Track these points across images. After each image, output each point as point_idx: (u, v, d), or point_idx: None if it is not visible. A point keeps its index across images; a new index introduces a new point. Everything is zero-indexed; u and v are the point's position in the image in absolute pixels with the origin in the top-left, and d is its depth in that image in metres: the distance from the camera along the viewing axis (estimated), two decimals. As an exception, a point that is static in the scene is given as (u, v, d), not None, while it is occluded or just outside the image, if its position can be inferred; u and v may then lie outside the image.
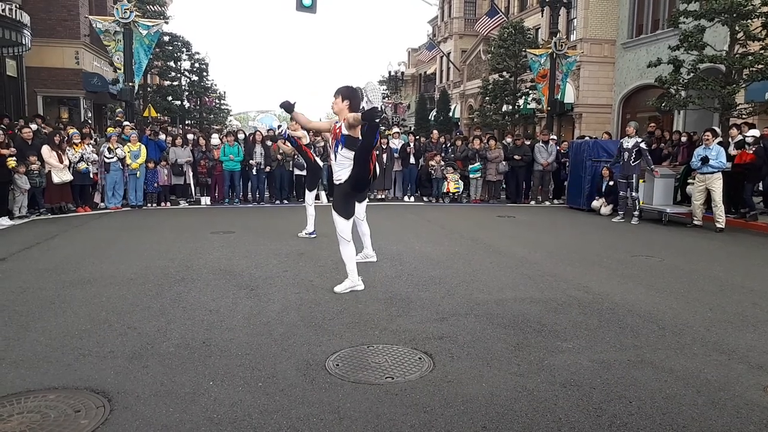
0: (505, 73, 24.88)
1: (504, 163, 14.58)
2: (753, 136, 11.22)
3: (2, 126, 11.83)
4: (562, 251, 8.22)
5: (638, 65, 21.33)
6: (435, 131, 17.06)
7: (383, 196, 15.06)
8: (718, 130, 11.70)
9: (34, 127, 12.38)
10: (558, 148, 15.01)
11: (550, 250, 8.33)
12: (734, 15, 12.34)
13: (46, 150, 11.08)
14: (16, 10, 16.33)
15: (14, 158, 10.13)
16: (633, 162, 11.24)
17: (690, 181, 12.12)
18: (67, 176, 11.49)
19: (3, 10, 15.42)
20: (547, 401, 3.34)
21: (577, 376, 3.69)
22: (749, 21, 12.30)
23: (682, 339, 4.41)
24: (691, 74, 13.19)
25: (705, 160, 10.32)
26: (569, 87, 22.19)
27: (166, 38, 28.63)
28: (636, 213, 11.31)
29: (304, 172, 14.28)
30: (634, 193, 11.33)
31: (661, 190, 11.87)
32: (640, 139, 11.33)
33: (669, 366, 3.86)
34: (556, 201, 15.14)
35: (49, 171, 11.19)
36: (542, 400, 3.35)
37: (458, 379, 3.62)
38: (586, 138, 16.09)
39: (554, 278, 6.37)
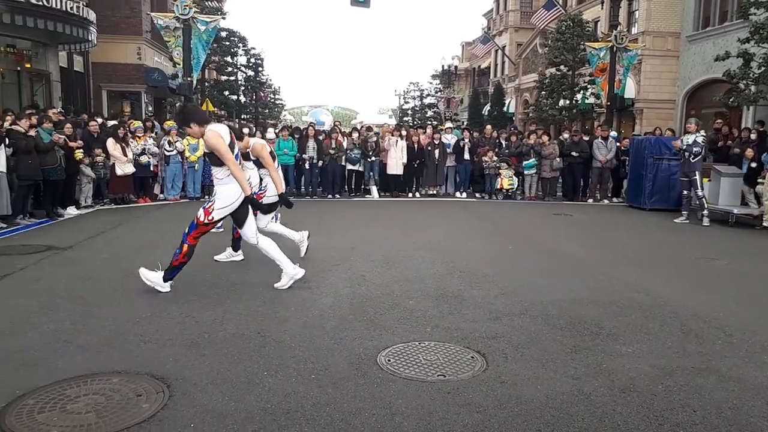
0: (562, 67, 24.31)
1: (559, 159, 14.24)
2: None
3: (72, 120, 12.34)
4: (620, 252, 7.97)
5: (704, 59, 20.43)
6: (488, 126, 16.82)
7: (435, 192, 14.96)
8: None
9: (100, 120, 12.87)
10: (618, 144, 14.54)
11: (608, 250, 8.09)
12: (811, 5, 11.66)
13: (110, 143, 11.51)
14: (83, 8, 17.01)
15: (81, 150, 10.57)
16: (693, 159, 10.76)
17: (760, 180, 11.52)
18: (130, 168, 11.91)
19: (71, 8, 16.08)
20: (605, 406, 3.23)
21: (637, 381, 3.56)
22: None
23: (750, 347, 4.20)
24: (762, 68, 12.53)
25: None
26: (630, 81, 21.46)
27: (223, 34, 29.26)
28: (705, 213, 10.74)
29: (356, 167, 14.43)
30: (699, 192, 10.80)
31: (728, 189, 11.33)
32: (699, 135, 10.83)
33: (737, 375, 3.68)
34: (615, 199, 14.69)
35: (113, 163, 11.62)
36: (600, 405, 3.25)
37: (512, 380, 3.55)
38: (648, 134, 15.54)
39: (612, 280, 6.17)
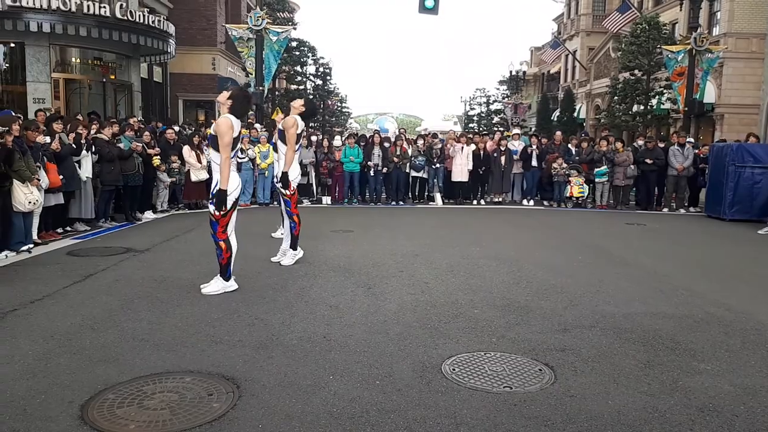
0: (636, 72, 23.46)
1: (633, 167, 13.72)
2: None
3: (150, 128, 12.97)
4: (698, 264, 7.59)
5: (792, 61, 19.23)
6: (558, 132, 16.43)
7: (500, 199, 14.75)
8: None
9: (177, 128, 13.46)
10: (696, 151, 13.87)
11: (685, 262, 7.72)
12: None
13: (186, 150, 12.01)
14: (163, 22, 17.89)
15: (159, 157, 11.08)
16: None
17: None
18: (204, 175, 12.35)
19: (153, 22, 16.95)
20: (681, 425, 3.08)
21: (717, 400, 3.38)
22: None
23: None
24: None
25: None
26: (710, 86, 20.45)
27: (294, 44, 29.97)
28: None
29: (420, 174, 14.43)
30: None
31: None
32: None
33: (829, 398, 3.43)
34: (691, 209, 14.01)
35: (188, 169, 12.11)
36: (676, 423, 3.10)
37: (582, 395, 3.44)
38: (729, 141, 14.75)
39: (689, 293, 5.88)
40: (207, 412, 3.12)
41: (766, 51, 21.38)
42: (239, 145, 5.74)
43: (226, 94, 5.54)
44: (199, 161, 12.19)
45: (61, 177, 8.13)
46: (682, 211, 13.83)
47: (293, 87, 33.58)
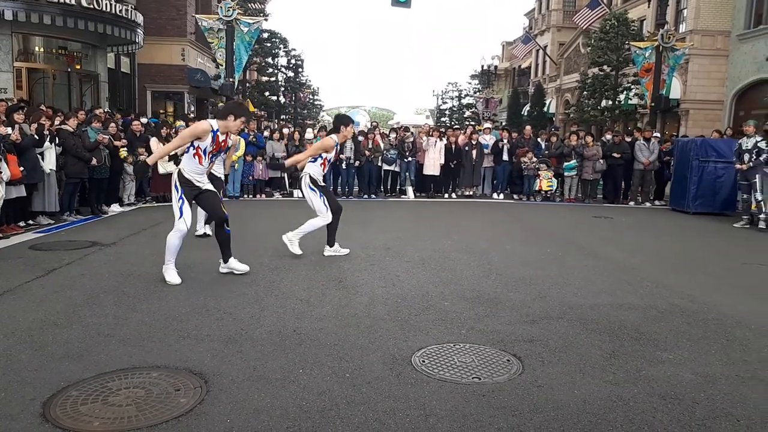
0: (605, 67, 23.83)
1: (602, 161, 13.95)
2: None
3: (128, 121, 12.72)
4: (663, 256, 7.76)
5: (755, 58, 19.73)
6: (527, 127, 16.61)
7: (471, 193, 14.86)
8: None
9: (144, 120, 13.22)
10: (661, 146, 14.17)
11: (651, 254, 7.88)
12: None
13: (154, 142, 11.78)
14: (131, 11, 17.51)
15: (126, 149, 10.87)
16: (753, 162, 10.38)
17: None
18: (172, 167, 12.16)
19: (120, 11, 16.58)
20: (644, 413, 3.16)
21: (678, 388, 3.47)
22: None
23: (800, 357, 4.04)
24: (818, 67, 12.04)
25: None
26: (676, 82, 20.88)
27: (265, 35, 29.70)
28: (762, 217, 10.33)
29: (392, 167, 14.44)
30: (758, 195, 10.40)
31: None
32: (760, 138, 10.46)
33: (785, 385, 3.54)
34: (657, 202, 14.33)
35: (156, 162, 11.90)
36: (639, 411, 3.18)
37: (549, 385, 3.49)
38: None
39: (655, 284, 6.02)
40: (174, 408, 3.08)
41: (730, 48, 21.91)
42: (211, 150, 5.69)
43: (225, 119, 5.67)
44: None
45: (21, 169, 7.90)
46: (648, 204, 14.13)
47: (264, 79, 33.28)
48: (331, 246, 7.19)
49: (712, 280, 6.39)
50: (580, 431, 2.96)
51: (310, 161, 7.21)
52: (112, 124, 10.88)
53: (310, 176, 6.91)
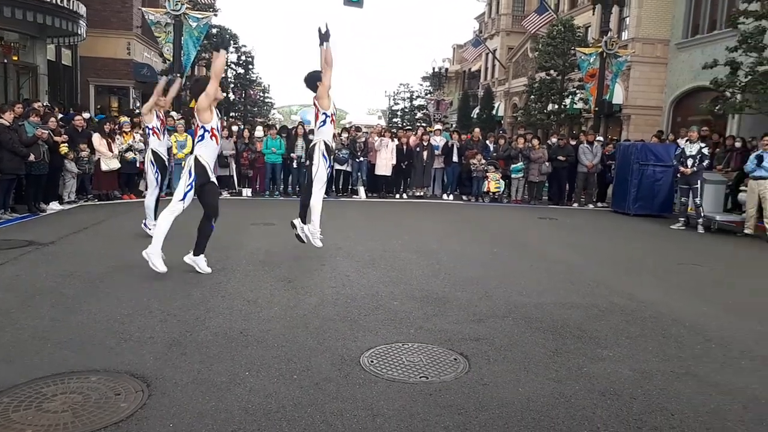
0: (552, 72, 24.42)
1: (547, 163, 14.31)
2: None
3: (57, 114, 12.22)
4: (605, 256, 8.02)
5: (692, 66, 20.60)
6: (476, 129, 16.86)
7: (421, 194, 14.98)
8: None
9: (86, 115, 12.75)
10: (603, 150, 14.64)
11: (593, 254, 8.14)
12: (797, 16, 11.81)
13: (96, 138, 11.40)
14: (73, 1, 16.86)
15: (66, 145, 10.46)
16: (696, 168, 10.81)
17: (742, 188, 11.65)
18: (115, 164, 11.80)
19: (61, 1, 15.93)
20: (585, 409, 3.25)
21: (617, 385, 3.59)
22: (813, 23, 11.76)
23: (729, 352, 4.25)
24: (749, 77, 12.68)
25: (760, 160, 9.86)
26: (618, 87, 21.62)
27: (215, 30, 29.11)
28: (701, 221, 10.79)
29: (343, 167, 14.40)
30: (697, 200, 10.84)
31: (712, 197, 11.43)
32: (703, 144, 10.94)
33: (714, 379, 3.72)
34: (599, 204, 14.79)
35: (98, 158, 11.51)
36: (580, 408, 3.27)
37: (494, 383, 3.56)
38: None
39: (596, 284, 6.21)
40: (113, 413, 2.99)
41: (669, 57, 22.83)
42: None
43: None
44: (111, 150, 11.63)
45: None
46: (591, 206, 14.58)
47: (213, 75, 32.60)
48: (304, 223, 7.01)
49: (650, 279, 6.65)
50: (523, 428, 3.02)
51: (319, 126, 6.78)
52: (52, 119, 10.45)
53: (325, 143, 6.61)
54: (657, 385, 3.61)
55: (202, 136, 5.70)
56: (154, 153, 7.78)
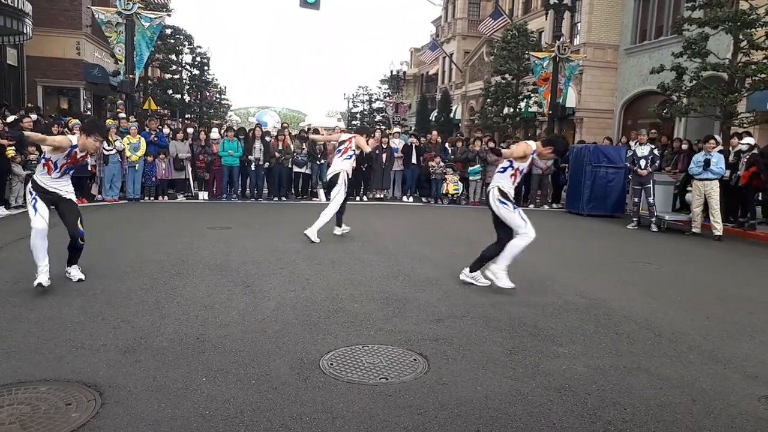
0: (507, 76, 24.84)
1: (504, 165, 14.53)
2: (747, 144, 11.25)
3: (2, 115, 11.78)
4: (560, 256, 8.20)
5: (641, 71, 21.32)
6: (434, 132, 17.02)
7: (381, 196, 15.03)
8: (718, 138, 11.70)
9: (34, 117, 12.32)
10: (558, 152, 14.95)
11: (548, 254, 8.30)
12: (738, 24, 12.33)
13: (44, 140, 11.02)
14: (18, -1, 16.27)
15: (13, 148, 10.08)
16: (651, 168, 11.16)
17: (689, 188, 12.10)
18: (66, 167, 11.43)
19: (5, -1, 15.36)
20: (541, 406, 3.32)
21: (573, 381, 3.67)
22: (753, 30, 12.29)
23: (678, 347, 4.40)
24: (694, 82, 13.18)
25: (707, 164, 10.25)
26: (571, 91, 22.15)
27: (168, 31, 28.54)
28: (654, 220, 11.14)
29: (303, 170, 14.32)
30: (650, 199, 11.19)
31: (661, 197, 11.85)
32: (653, 146, 11.32)
33: (664, 374, 3.85)
34: (554, 205, 15.12)
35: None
36: (537, 404, 3.33)
37: (453, 382, 3.59)
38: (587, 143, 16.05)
39: (552, 283, 6.35)
40: (64, 423, 2.89)
41: (619, 61, 23.54)
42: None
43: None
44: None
45: None
46: (546, 207, 14.89)
47: (168, 76, 32.00)
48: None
49: (603, 278, 6.83)
50: (482, 426, 3.06)
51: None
52: (-3, 121, 10.06)
53: (499, 189, 6.03)
54: (610, 380, 3.72)
55: (39, 159, 5.59)
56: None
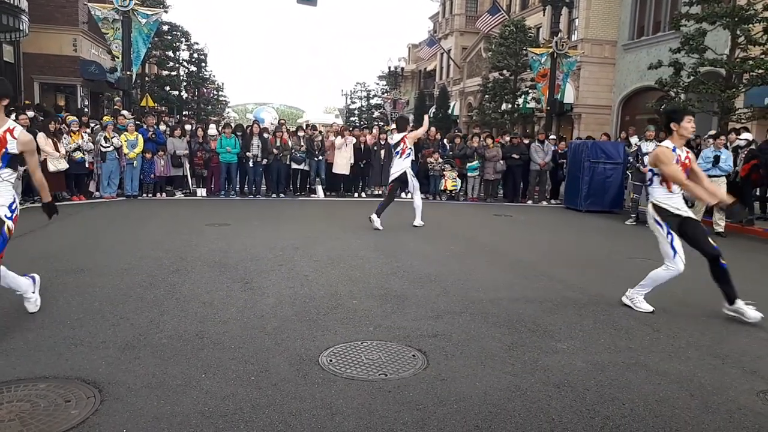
0: (505, 72, 24.86)
1: (502, 162, 14.55)
2: (745, 140, 11.23)
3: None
4: (558, 252, 8.21)
5: (638, 67, 21.32)
6: (433, 128, 17.01)
7: (380, 192, 15.00)
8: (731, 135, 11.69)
9: (31, 114, 12.29)
10: (555, 148, 14.97)
11: (547, 250, 8.32)
12: (736, 19, 12.34)
13: (41, 138, 10.98)
14: (14, -4, 16.22)
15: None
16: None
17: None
18: (63, 165, 11.42)
19: (0, -5, 15.32)
20: (540, 402, 3.33)
21: (571, 377, 3.68)
22: (750, 25, 12.30)
23: (676, 342, 4.41)
24: (692, 77, 13.20)
25: (717, 160, 10.18)
26: (569, 87, 22.17)
27: (165, 27, 28.53)
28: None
29: (301, 166, 14.31)
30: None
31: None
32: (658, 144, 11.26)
33: (663, 369, 3.86)
34: (553, 201, 15.13)
35: (45, 159, 11.11)
36: (535, 400, 3.34)
37: (452, 378, 3.60)
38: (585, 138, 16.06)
39: (550, 279, 6.36)
40: (64, 420, 2.89)
41: (617, 57, 23.55)
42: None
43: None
44: (57, 150, 11.26)
45: None
46: (544, 203, 14.90)
47: (165, 73, 31.95)
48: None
49: (601, 273, 6.84)
50: (481, 421, 3.07)
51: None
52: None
53: (653, 205, 5.26)
54: (609, 375, 3.72)
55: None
56: None
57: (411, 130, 10.21)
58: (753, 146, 11.32)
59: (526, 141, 15.26)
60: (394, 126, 17.55)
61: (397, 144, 9.62)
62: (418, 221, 9.85)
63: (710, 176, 10.27)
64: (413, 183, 9.80)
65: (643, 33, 22.15)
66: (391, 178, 9.86)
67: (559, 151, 15.00)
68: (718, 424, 3.14)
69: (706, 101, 13.28)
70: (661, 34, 20.49)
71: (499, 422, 3.07)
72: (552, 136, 15.65)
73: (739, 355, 4.17)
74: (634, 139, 14.52)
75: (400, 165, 9.61)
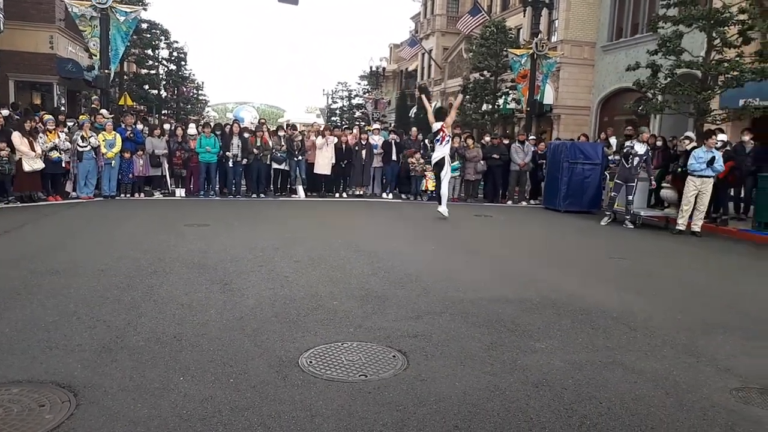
0: (486, 72, 24.97)
1: (482, 162, 14.63)
2: (721, 141, 11.39)
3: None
4: (537, 252, 8.28)
5: (617, 68, 21.57)
6: (414, 128, 17.04)
7: (361, 192, 15.01)
8: (692, 134, 11.88)
9: (5, 112, 12.07)
10: (535, 148, 15.09)
11: (526, 250, 8.38)
12: (711, 22, 12.54)
13: (16, 137, 10.82)
14: (-12, -8, 15.90)
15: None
16: (640, 167, 11.15)
17: (665, 184, 12.27)
18: (39, 164, 11.23)
19: (-26, -9, 15.00)
20: (519, 401, 3.35)
21: (549, 376, 3.71)
22: (726, 28, 12.51)
23: (652, 341, 4.47)
24: (668, 79, 13.38)
25: (712, 162, 10.17)
26: (549, 88, 22.34)
27: (144, 25, 28.20)
28: (628, 217, 11.17)
29: (282, 166, 14.23)
30: (630, 197, 11.16)
31: (639, 193, 11.95)
32: (650, 147, 11.32)
33: (639, 367, 3.91)
34: (532, 201, 15.24)
35: (20, 158, 10.92)
36: (514, 399, 3.37)
37: (432, 378, 3.61)
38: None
39: (529, 278, 6.40)
40: (38, 425, 2.84)
41: (596, 59, 23.80)
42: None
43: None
44: (33, 149, 11.07)
45: None
46: (524, 203, 15.01)
47: (144, 71, 31.59)
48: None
49: (579, 273, 6.91)
50: (460, 421, 3.09)
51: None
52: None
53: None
54: (586, 375, 3.77)
55: None
56: None
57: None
58: (728, 148, 11.50)
59: (506, 141, 15.35)
60: (375, 126, 17.58)
61: (437, 133, 10.47)
62: (443, 209, 10.51)
63: (702, 176, 10.36)
64: (447, 169, 10.63)
65: (622, 35, 22.41)
66: (433, 161, 10.89)
67: (539, 151, 15.11)
68: (693, 422, 3.19)
69: (682, 103, 13.48)
70: (639, 36, 20.76)
71: (479, 422, 3.09)
72: (532, 137, 15.77)
73: (713, 354, 4.24)
74: (613, 140, 14.69)
75: (442, 151, 10.52)
